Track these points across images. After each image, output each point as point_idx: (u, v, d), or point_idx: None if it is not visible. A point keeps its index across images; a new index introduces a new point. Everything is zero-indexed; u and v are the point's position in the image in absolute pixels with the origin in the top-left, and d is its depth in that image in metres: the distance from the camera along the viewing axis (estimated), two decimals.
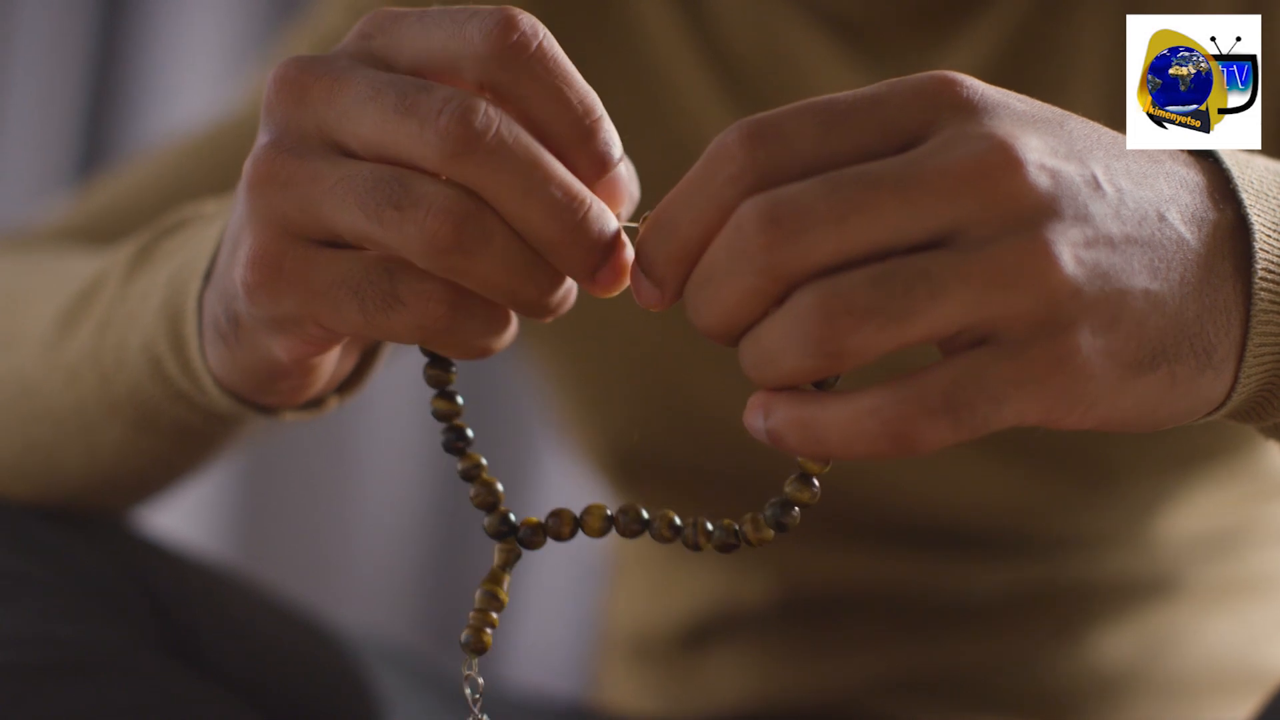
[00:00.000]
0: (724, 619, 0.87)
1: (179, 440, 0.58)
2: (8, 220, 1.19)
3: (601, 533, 0.47)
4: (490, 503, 0.48)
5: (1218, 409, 0.45)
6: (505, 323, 0.47)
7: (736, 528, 0.47)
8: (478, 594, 0.47)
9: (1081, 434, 0.76)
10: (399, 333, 0.45)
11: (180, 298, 0.53)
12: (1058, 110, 0.43)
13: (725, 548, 0.47)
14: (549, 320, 0.47)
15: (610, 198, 0.46)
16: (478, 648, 0.47)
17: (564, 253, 0.45)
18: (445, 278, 0.44)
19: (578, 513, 0.48)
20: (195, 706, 0.60)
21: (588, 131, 0.45)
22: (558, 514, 0.48)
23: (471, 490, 0.48)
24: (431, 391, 0.48)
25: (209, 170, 0.76)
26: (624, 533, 0.47)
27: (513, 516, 0.48)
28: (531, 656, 1.48)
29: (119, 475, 0.61)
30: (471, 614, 0.47)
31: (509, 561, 0.48)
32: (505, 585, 0.48)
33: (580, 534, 0.48)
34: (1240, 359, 0.44)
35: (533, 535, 0.48)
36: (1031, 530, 0.81)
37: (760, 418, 0.43)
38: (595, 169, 0.45)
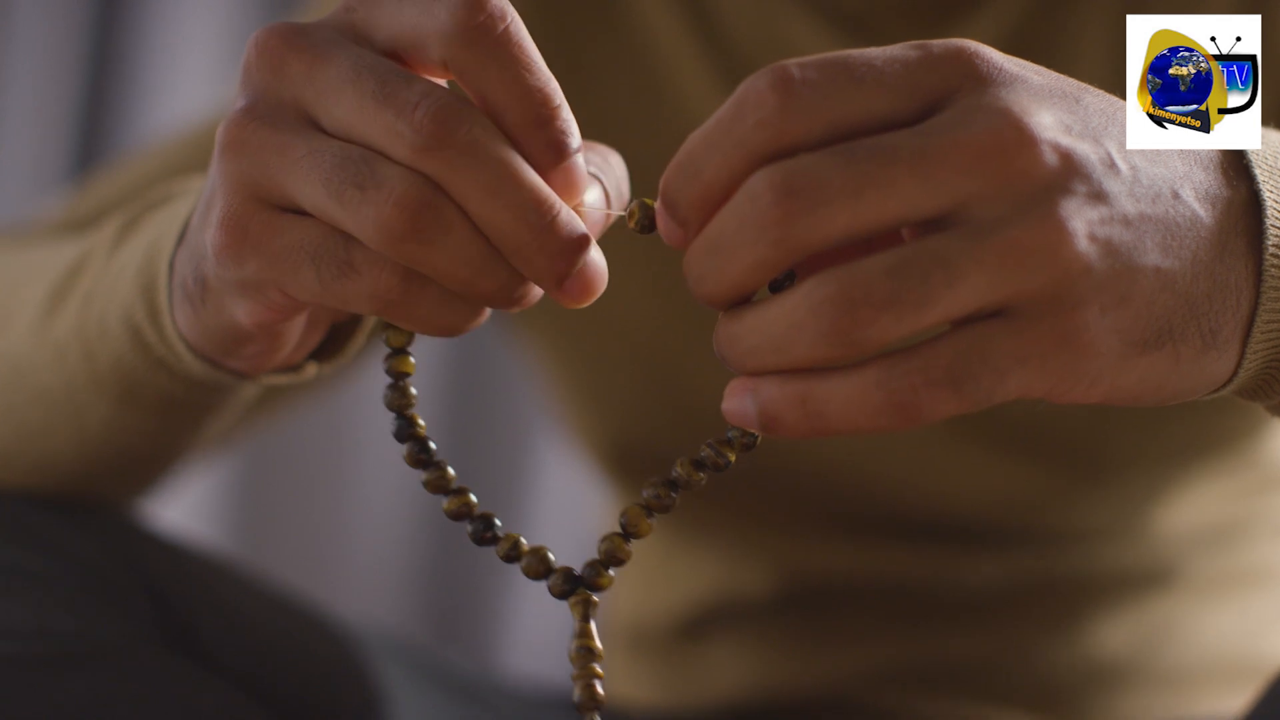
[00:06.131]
0: (722, 609, 0.87)
1: (164, 414, 0.58)
2: (3, 217, 1.19)
3: (650, 529, 0.46)
4: (544, 570, 0.47)
5: (1224, 386, 0.45)
6: (469, 304, 0.46)
7: None
8: (572, 651, 0.46)
9: (1080, 426, 0.77)
10: (354, 301, 0.45)
11: (155, 265, 0.53)
12: (1075, 83, 0.43)
13: (748, 446, 0.45)
14: (514, 310, 0.47)
15: (565, 188, 0.45)
16: (592, 705, 0.46)
17: (529, 257, 0.44)
18: (399, 262, 0.44)
19: (618, 527, 0.47)
20: (194, 698, 0.60)
21: (544, 118, 0.44)
22: (607, 539, 0.47)
23: (522, 564, 0.47)
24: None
25: (203, 166, 0.76)
26: (662, 509, 0.46)
27: (575, 570, 0.47)
28: (529, 646, 1.48)
29: (109, 456, 0.61)
30: (574, 674, 0.46)
31: (588, 613, 0.47)
32: (595, 635, 0.46)
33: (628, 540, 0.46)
34: (1246, 337, 0.44)
35: (596, 576, 0.47)
36: (1029, 522, 0.81)
37: (749, 400, 0.43)
38: (550, 156, 0.45)
